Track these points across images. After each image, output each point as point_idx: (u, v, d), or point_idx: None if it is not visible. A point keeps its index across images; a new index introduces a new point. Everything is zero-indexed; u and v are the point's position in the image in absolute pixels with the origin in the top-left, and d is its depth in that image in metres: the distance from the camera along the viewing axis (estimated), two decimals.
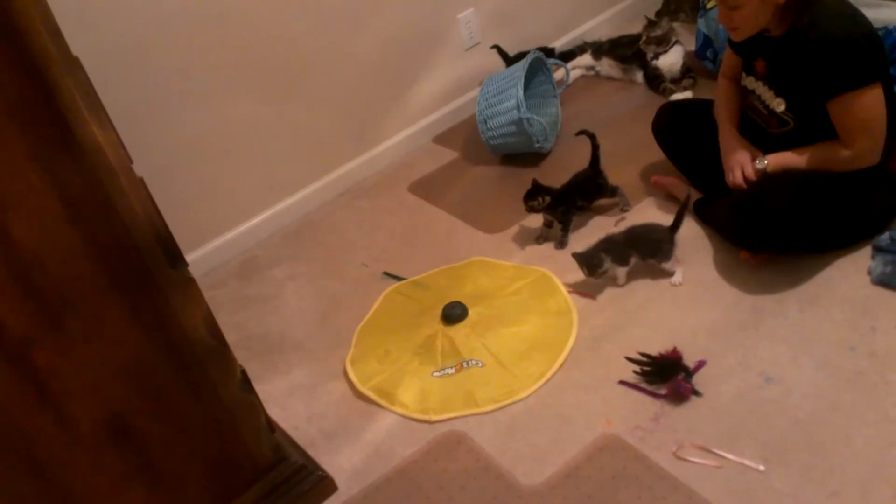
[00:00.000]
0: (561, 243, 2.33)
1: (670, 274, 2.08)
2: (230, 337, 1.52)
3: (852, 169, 1.87)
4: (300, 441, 1.89)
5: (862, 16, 1.83)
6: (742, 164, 1.98)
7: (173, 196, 2.45)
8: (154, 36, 2.30)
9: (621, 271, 2.09)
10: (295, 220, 2.77)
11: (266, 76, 2.55)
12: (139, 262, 1.31)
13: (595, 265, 2.06)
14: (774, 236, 1.91)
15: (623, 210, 2.37)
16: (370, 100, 2.84)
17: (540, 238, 2.37)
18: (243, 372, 1.57)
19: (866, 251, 1.97)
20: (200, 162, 2.52)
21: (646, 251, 2.07)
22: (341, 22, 2.65)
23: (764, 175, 1.95)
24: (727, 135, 2.09)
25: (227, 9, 2.39)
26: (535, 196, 2.29)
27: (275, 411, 1.96)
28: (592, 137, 2.32)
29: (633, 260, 2.08)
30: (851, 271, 1.94)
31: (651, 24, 2.86)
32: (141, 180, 1.35)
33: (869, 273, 1.92)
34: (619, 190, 2.38)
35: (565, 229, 2.33)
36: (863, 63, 1.77)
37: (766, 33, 1.91)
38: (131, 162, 1.38)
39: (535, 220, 2.41)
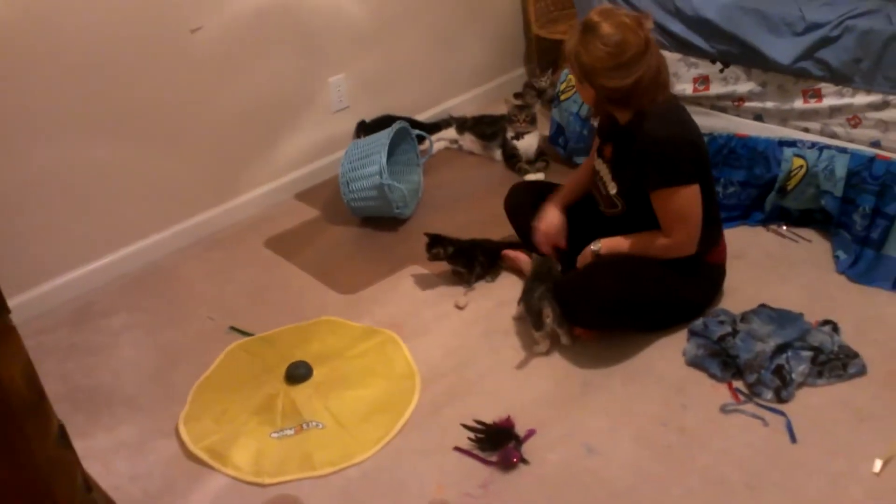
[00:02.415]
0: (467, 282, 2.46)
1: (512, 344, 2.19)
2: (55, 387, 1.44)
3: (672, 256, 2.07)
4: (121, 502, 1.79)
5: (690, 123, 2.07)
6: (543, 225, 2.25)
7: (6, 232, 2.32)
8: None
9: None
10: (140, 266, 2.67)
11: (120, 120, 2.48)
12: None
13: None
14: (601, 316, 2.09)
15: (487, 280, 2.49)
16: (233, 151, 2.82)
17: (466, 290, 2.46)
18: (61, 427, 1.48)
19: (683, 333, 2.17)
20: (41, 200, 2.39)
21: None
22: (210, 71, 2.64)
23: (597, 257, 2.12)
24: (552, 198, 2.31)
25: (83, 47, 2.33)
26: (435, 245, 2.41)
27: (96, 469, 1.85)
28: None
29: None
30: (670, 352, 2.13)
31: (522, 108, 3.05)
32: None
33: (684, 354, 2.11)
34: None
35: (470, 275, 2.46)
36: (681, 164, 1.98)
37: (616, 121, 2.10)
38: None
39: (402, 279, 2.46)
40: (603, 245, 2.13)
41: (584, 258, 2.17)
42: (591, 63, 1.94)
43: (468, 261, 2.45)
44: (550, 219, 2.25)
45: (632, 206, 2.10)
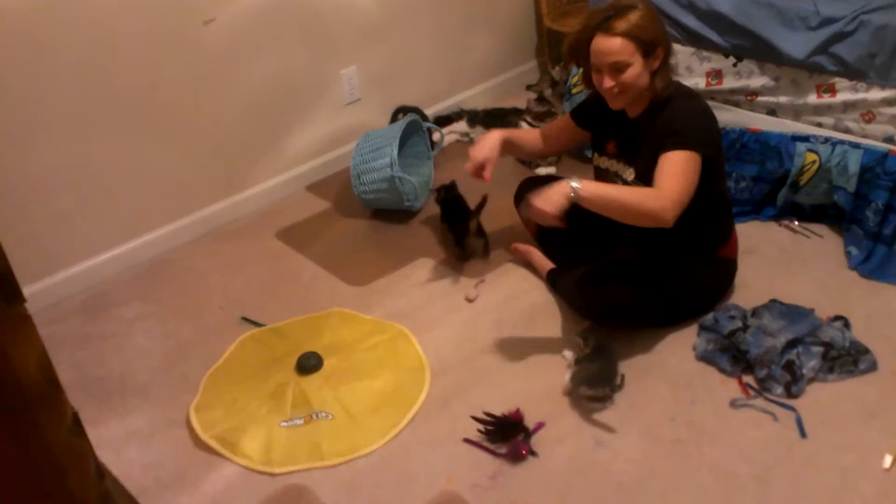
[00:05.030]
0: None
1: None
2: (67, 376, 1.46)
3: (651, 209, 1.87)
4: (132, 489, 1.81)
5: (709, 107, 2.09)
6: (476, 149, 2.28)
7: (20, 222, 2.34)
8: (7, 61, 2.20)
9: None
10: (152, 257, 2.69)
11: (132, 111, 2.49)
12: None
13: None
14: (615, 313, 2.08)
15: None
16: (244, 143, 2.83)
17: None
18: (75, 414, 1.49)
19: (694, 328, 2.16)
20: (53, 190, 2.41)
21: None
22: (222, 63, 2.65)
23: (574, 199, 1.90)
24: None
25: (94, 39, 2.34)
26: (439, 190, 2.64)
27: (108, 456, 1.87)
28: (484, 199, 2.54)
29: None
30: (680, 347, 2.12)
31: (542, 101, 3.04)
32: None
33: (694, 349, 2.11)
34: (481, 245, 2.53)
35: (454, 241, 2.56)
36: (702, 134, 1.98)
37: (618, 116, 2.10)
38: None
39: (408, 274, 2.47)
40: (583, 186, 1.86)
41: (551, 194, 1.86)
42: (656, 25, 1.98)
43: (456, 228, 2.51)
44: (485, 141, 2.26)
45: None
